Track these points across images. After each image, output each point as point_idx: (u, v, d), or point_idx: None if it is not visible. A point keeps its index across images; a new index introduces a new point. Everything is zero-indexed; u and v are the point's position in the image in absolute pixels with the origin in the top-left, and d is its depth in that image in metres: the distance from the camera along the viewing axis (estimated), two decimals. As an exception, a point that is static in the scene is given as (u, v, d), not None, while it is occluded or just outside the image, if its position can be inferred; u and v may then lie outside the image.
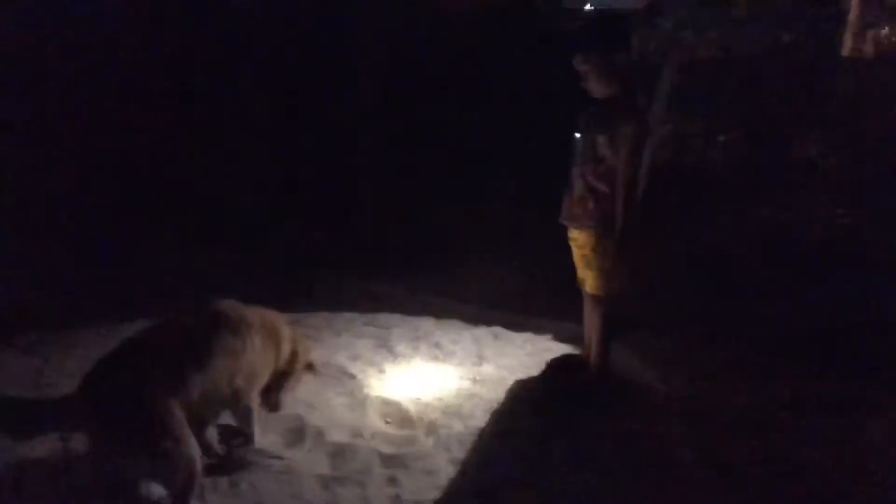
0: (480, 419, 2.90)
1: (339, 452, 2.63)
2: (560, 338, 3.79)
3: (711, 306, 4.10)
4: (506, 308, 4.25)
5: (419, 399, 3.07)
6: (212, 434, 2.62)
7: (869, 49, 4.87)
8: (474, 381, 3.28)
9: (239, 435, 2.64)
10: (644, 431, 2.80)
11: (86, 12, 5.17)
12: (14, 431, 2.17)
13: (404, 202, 6.18)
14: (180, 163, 5.70)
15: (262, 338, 2.62)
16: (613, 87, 2.83)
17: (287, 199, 6.15)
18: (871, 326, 3.72)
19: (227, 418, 2.66)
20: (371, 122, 6.34)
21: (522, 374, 3.33)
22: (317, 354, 3.53)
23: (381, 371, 3.38)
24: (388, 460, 2.58)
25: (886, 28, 4.81)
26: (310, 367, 3.10)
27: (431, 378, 3.31)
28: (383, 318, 4.14)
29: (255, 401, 2.61)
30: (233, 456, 2.55)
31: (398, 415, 2.92)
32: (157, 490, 2.30)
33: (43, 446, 2.54)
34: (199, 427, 2.35)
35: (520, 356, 3.58)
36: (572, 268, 3.18)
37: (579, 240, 3.05)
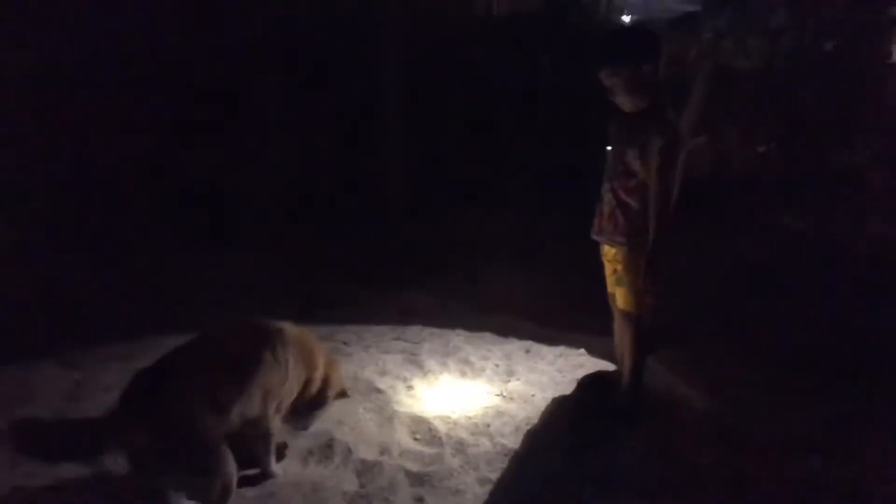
0: (510, 437, 2.86)
1: (366, 470, 2.62)
2: (594, 353, 3.72)
3: (749, 322, 4.00)
4: (538, 321, 4.20)
5: (448, 416, 3.04)
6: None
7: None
8: (504, 397, 3.24)
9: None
10: (678, 451, 2.73)
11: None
12: (49, 453, 2.18)
13: (435, 210, 6.18)
14: (206, 168, 5.77)
15: (295, 359, 2.60)
16: (643, 101, 2.77)
17: (315, 208, 6.18)
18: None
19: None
20: (400, 128, 6.36)
21: (553, 391, 3.28)
22: (345, 369, 3.55)
23: (410, 387, 3.37)
24: (416, 478, 2.56)
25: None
26: (342, 394, 3.08)
27: (460, 394, 3.28)
28: (413, 331, 4.13)
29: (275, 426, 2.57)
30: (261, 472, 2.56)
31: (426, 432, 2.90)
32: (186, 504, 2.33)
33: (78, 466, 2.57)
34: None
35: (551, 372, 3.53)
36: (604, 280, 3.14)
37: (610, 255, 3.01)
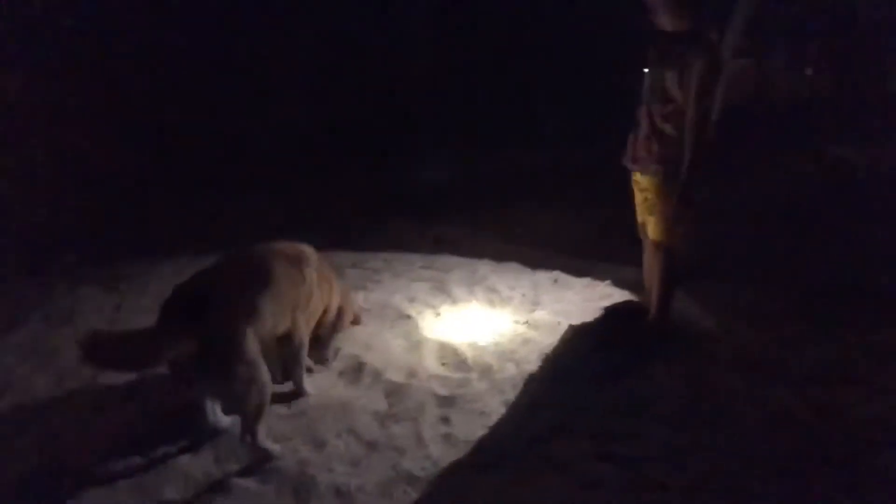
0: (535, 364, 2.90)
1: (394, 391, 2.70)
2: (620, 284, 3.70)
3: (779, 252, 3.90)
4: (565, 252, 4.18)
5: (475, 343, 3.08)
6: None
7: None
8: (530, 325, 3.26)
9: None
10: (703, 381, 2.73)
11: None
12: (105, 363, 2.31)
13: (467, 144, 6.11)
14: (240, 112, 5.80)
15: (316, 276, 2.69)
16: (685, 20, 2.63)
17: (352, 142, 6.18)
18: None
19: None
20: (432, 62, 6.23)
21: (579, 320, 3.28)
22: (375, 296, 3.60)
23: (438, 314, 3.42)
24: (442, 401, 2.63)
25: None
26: (356, 321, 3.16)
27: (487, 322, 3.31)
28: (442, 260, 4.15)
29: (306, 343, 2.67)
30: (294, 389, 2.66)
31: (454, 357, 2.95)
32: (224, 419, 2.44)
33: (120, 375, 2.71)
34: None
35: (577, 302, 3.53)
36: (634, 212, 3.08)
37: (642, 183, 2.94)
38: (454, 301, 3.57)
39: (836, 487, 2.08)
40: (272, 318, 2.37)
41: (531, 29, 5.97)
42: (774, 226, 4.11)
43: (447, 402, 2.63)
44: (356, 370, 2.86)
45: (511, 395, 2.68)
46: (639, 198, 3.00)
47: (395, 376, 2.80)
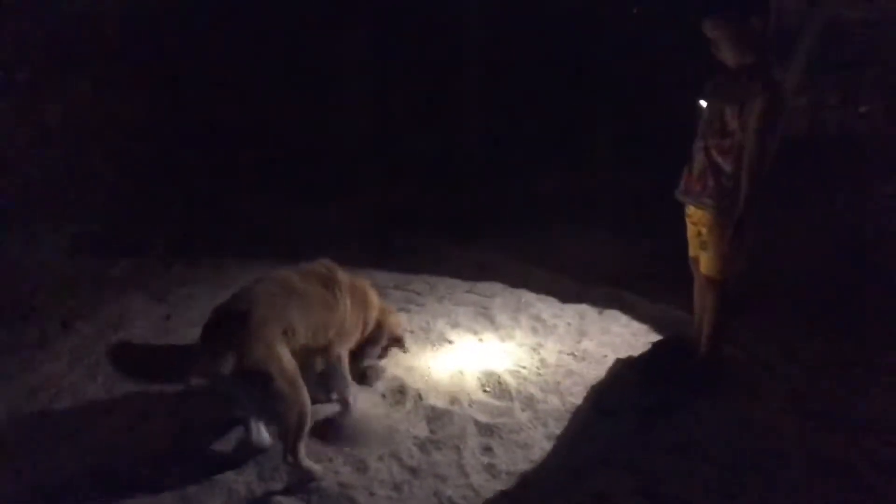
0: (579, 396, 2.85)
1: (436, 417, 2.68)
2: (669, 318, 3.61)
3: (838, 293, 3.77)
4: (614, 283, 4.10)
5: (518, 371, 3.05)
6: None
7: None
8: (575, 356, 3.21)
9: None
10: (752, 423, 2.64)
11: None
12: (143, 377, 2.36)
13: (511, 167, 6.10)
14: (284, 124, 5.90)
15: (351, 299, 2.71)
16: (747, 57, 2.59)
17: (393, 161, 6.23)
18: None
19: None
20: (477, 85, 6.26)
21: (626, 353, 3.22)
22: (417, 319, 3.60)
23: (481, 340, 3.39)
24: (484, 429, 2.60)
25: None
26: (398, 341, 3.14)
27: (531, 351, 3.28)
28: (485, 286, 4.13)
29: (345, 357, 2.69)
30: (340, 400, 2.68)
31: (496, 385, 2.93)
32: (267, 438, 2.46)
33: (165, 390, 2.77)
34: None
35: (624, 334, 3.47)
36: (685, 244, 3.02)
37: (695, 217, 2.88)
38: (497, 328, 3.54)
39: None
40: (307, 336, 2.41)
41: (590, 51, 5.97)
42: (832, 265, 3.99)
43: (489, 430, 2.60)
44: (399, 392, 2.85)
45: (554, 427, 2.64)
46: (692, 231, 2.94)
47: (438, 401, 2.79)
